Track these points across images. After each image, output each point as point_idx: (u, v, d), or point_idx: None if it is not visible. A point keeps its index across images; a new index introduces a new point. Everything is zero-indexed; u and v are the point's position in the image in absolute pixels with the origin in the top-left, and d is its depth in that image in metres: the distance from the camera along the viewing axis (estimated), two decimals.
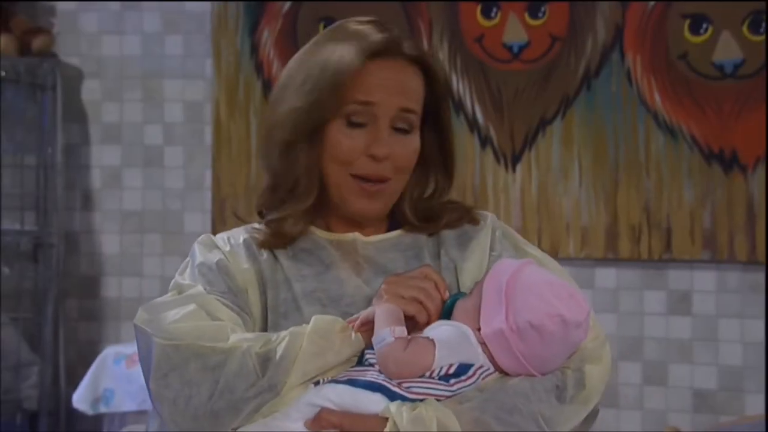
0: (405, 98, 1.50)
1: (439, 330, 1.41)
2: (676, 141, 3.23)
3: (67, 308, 3.74)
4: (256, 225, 1.58)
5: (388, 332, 1.38)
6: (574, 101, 3.32)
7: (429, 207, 1.58)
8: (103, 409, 3.40)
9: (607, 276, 3.33)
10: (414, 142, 1.53)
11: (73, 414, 3.61)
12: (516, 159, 3.38)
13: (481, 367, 1.40)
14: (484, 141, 3.40)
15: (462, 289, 1.52)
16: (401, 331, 1.38)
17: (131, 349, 3.38)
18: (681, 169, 3.23)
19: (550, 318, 1.39)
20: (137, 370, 3.28)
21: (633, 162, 3.27)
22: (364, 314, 1.44)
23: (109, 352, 3.43)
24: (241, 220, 1.63)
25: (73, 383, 3.52)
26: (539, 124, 3.36)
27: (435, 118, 1.56)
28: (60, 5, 3.79)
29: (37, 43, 3.65)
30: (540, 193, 3.36)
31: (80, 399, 3.41)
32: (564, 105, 3.34)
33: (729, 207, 3.18)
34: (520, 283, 1.42)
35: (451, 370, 1.38)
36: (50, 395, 3.64)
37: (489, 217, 1.62)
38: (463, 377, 1.38)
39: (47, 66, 3.65)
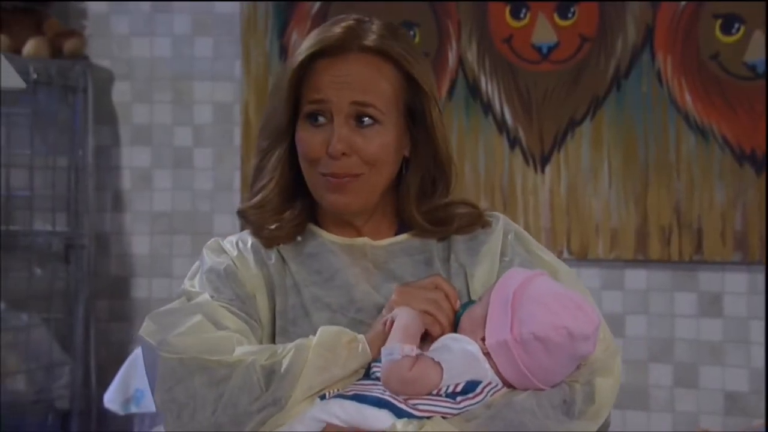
0: (358, 92, 1.48)
1: (447, 349, 1.39)
2: (707, 142, 3.21)
3: (98, 309, 3.76)
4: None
5: (397, 348, 1.36)
6: (603, 102, 3.31)
7: (437, 209, 1.56)
8: (133, 409, 3.41)
9: (637, 277, 3.31)
10: (382, 134, 1.50)
11: (104, 414, 3.63)
12: (545, 160, 3.37)
13: (489, 384, 1.39)
14: (513, 142, 3.39)
15: (473, 296, 1.50)
16: (411, 349, 1.37)
17: None
18: (712, 169, 3.20)
19: (556, 330, 1.37)
20: None
21: (663, 163, 3.25)
22: (390, 319, 1.42)
23: (139, 353, 3.44)
24: None
25: (104, 383, 3.54)
26: (568, 125, 3.34)
27: (416, 111, 1.53)
28: (91, 7, 3.82)
29: (69, 45, 3.67)
30: (569, 195, 3.34)
31: (111, 399, 3.43)
32: (593, 106, 3.32)
33: (761, 208, 3.15)
34: (527, 294, 1.40)
35: (459, 388, 1.37)
36: (81, 395, 3.67)
37: (501, 220, 1.59)
38: (470, 395, 1.37)
39: (79, 68, 3.67)
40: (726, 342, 3.23)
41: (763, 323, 3.17)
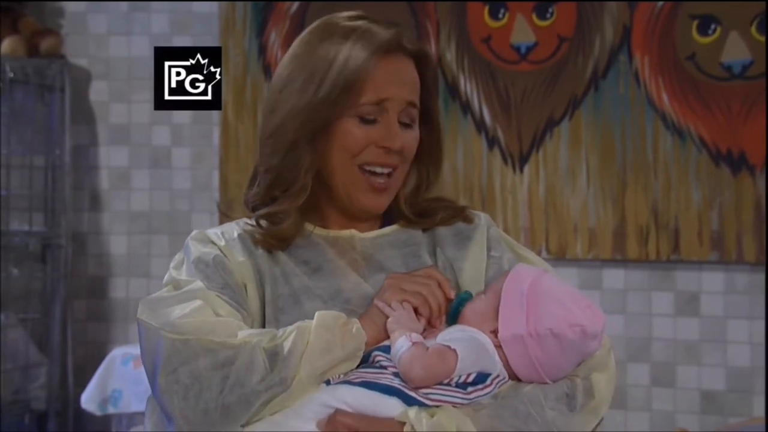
0: (410, 92, 1.52)
1: (458, 339, 1.40)
2: (684, 142, 3.23)
3: (75, 309, 3.75)
4: (248, 220, 1.57)
5: (404, 339, 1.38)
6: (581, 102, 3.32)
7: (422, 202, 1.59)
8: (111, 409, 3.40)
9: (614, 277, 3.33)
10: (415, 133, 1.54)
11: (81, 414, 3.61)
12: (523, 160, 3.38)
13: (498, 376, 1.41)
14: (492, 142, 3.40)
15: (462, 290, 1.52)
16: (417, 336, 1.38)
17: (139, 350, 3.38)
18: (689, 170, 3.22)
19: (571, 327, 1.41)
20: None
21: (641, 163, 3.26)
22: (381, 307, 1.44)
23: (117, 353, 3.43)
24: (225, 216, 1.63)
25: (81, 384, 3.52)
26: (547, 125, 3.36)
27: (426, 110, 1.57)
28: (68, 6, 3.80)
29: (46, 44, 3.65)
30: (547, 194, 3.35)
31: (88, 400, 3.42)
32: (572, 106, 3.33)
33: (737, 208, 3.17)
34: (541, 290, 1.43)
35: (470, 379, 1.38)
36: (58, 396, 3.65)
37: (482, 217, 1.62)
38: (480, 386, 1.39)
39: (55, 67, 3.66)
40: (703, 341, 3.25)
41: (738, 322, 3.19)
